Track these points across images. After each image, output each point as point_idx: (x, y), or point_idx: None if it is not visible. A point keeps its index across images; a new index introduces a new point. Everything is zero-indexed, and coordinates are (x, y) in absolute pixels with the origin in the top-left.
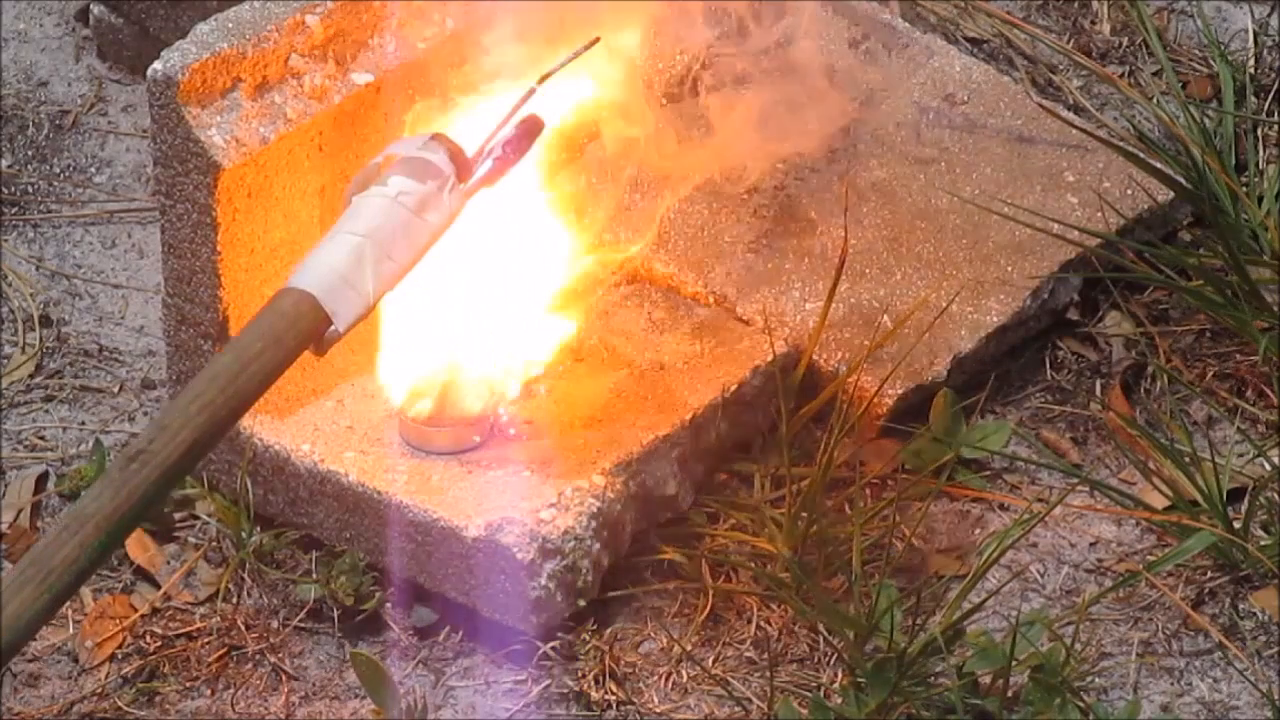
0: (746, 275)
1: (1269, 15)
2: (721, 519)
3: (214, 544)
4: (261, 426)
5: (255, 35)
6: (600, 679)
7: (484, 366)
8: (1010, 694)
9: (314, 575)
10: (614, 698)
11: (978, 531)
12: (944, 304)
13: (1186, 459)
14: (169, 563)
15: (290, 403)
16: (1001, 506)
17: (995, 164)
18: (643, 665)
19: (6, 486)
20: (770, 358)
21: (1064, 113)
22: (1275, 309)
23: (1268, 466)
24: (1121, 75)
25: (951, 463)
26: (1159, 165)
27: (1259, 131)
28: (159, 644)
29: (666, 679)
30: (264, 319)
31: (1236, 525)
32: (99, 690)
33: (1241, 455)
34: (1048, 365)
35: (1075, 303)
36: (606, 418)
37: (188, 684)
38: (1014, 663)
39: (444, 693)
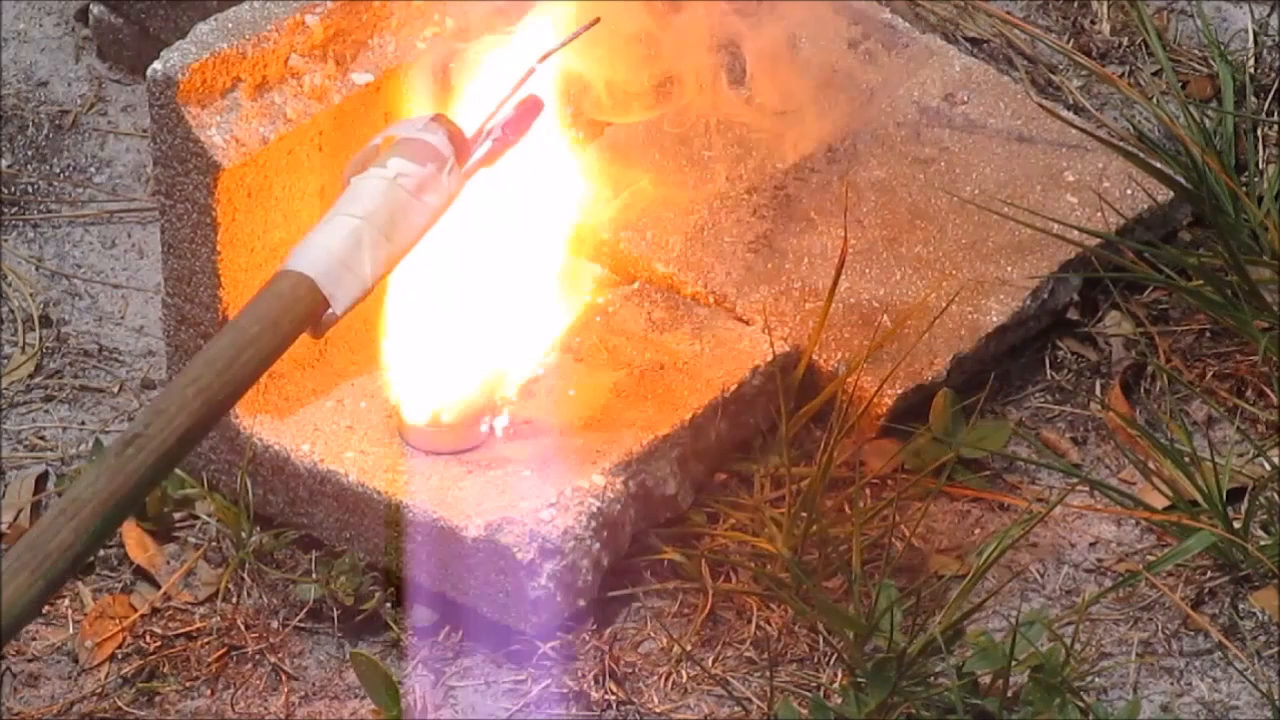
0: (746, 275)
1: (1269, 15)
2: (721, 519)
3: (214, 544)
4: (261, 426)
5: (255, 35)
6: (600, 679)
7: (484, 366)
8: (1010, 694)
9: (314, 575)
10: (614, 698)
11: (978, 531)
12: (944, 304)
13: (1186, 459)
14: (169, 563)
15: (290, 403)
16: (1001, 506)
17: (995, 164)
18: (643, 665)
19: (6, 486)
20: (770, 358)
21: (1064, 113)
22: (1275, 309)
23: (1268, 466)
24: (1121, 75)
25: (951, 463)
26: (1159, 165)
27: (1259, 131)
28: (159, 644)
29: (666, 679)
30: (261, 302)
31: (1236, 525)
32: (99, 690)
33: (1241, 455)
34: (1048, 365)
35: (1075, 303)
36: (606, 418)
37: (188, 684)
38: (1014, 663)
39: (444, 693)
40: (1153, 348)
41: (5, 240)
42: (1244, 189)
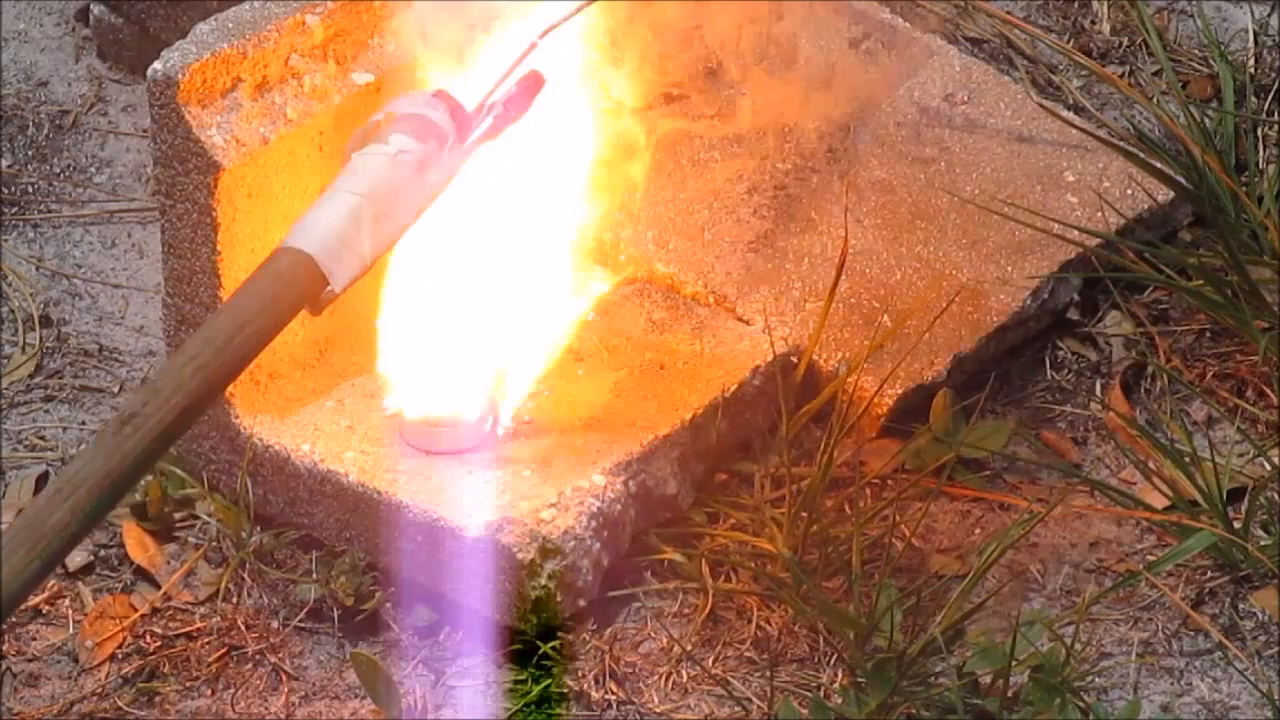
0: (746, 275)
1: (1269, 15)
2: (721, 519)
3: (214, 544)
4: (261, 426)
5: (255, 35)
6: (600, 679)
7: (484, 366)
8: (1010, 694)
9: (314, 575)
10: (614, 698)
11: (978, 531)
12: (944, 304)
13: (1186, 459)
14: (169, 563)
15: (290, 403)
16: (1001, 506)
17: (995, 164)
18: (643, 665)
19: (6, 486)
20: (770, 358)
21: (1064, 113)
22: (1275, 309)
23: (1268, 466)
24: (1121, 75)
25: (951, 463)
26: (1159, 165)
27: (1259, 131)
28: (159, 644)
29: (666, 679)
30: (260, 280)
31: (1236, 525)
32: (99, 690)
33: (1241, 455)
34: (1048, 365)
35: (1075, 303)
36: (606, 418)
37: (188, 684)
38: (1014, 663)
39: (444, 693)
40: (1153, 348)
41: (5, 240)
42: (1244, 189)
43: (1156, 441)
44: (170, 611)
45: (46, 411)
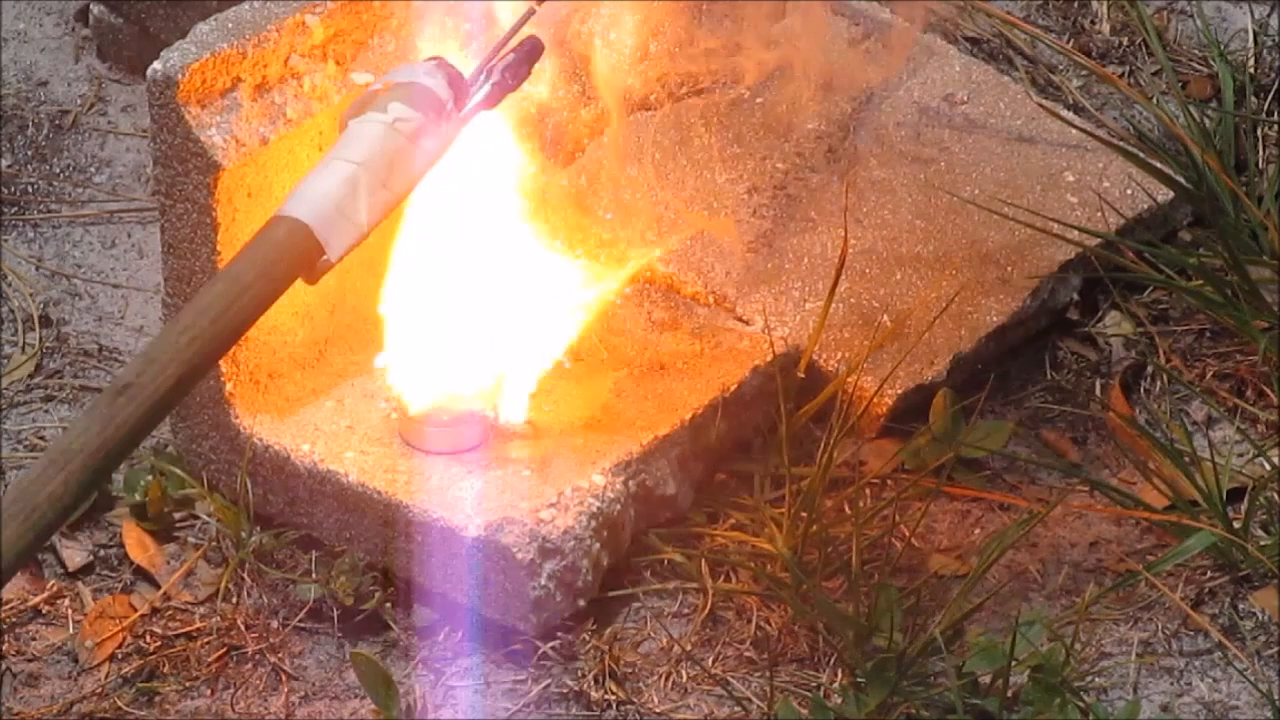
0: (746, 275)
1: (1269, 15)
2: (721, 519)
3: (214, 544)
4: (261, 426)
5: (255, 35)
6: (600, 679)
7: (484, 366)
8: (1010, 694)
9: (314, 575)
10: (614, 698)
11: (978, 531)
12: (944, 304)
13: (1186, 459)
14: (169, 563)
15: (290, 403)
16: (1001, 506)
17: (995, 164)
18: (643, 665)
19: (6, 486)
20: (770, 358)
21: (1064, 113)
22: (1275, 309)
23: (1268, 466)
24: (1121, 75)
25: (951, 462)
26: (1159, 165)
27: (1259, 131)
28: (159, 644)
29: (666, 679)
30: (256, 248)
31: (1236, 525)
32: (99, 690)
33: (1241, 455)
34: (1048, 365)
35: (1075, 303)
36: (606, 418)
37: (188, 684)
38: (1014, 663)
39: (444, 693)
40: (1153, 348)
41: (5, 240)
42: (1244, 189)
43: (1156, 441)
44: (170, 611)
45: (46, 411)
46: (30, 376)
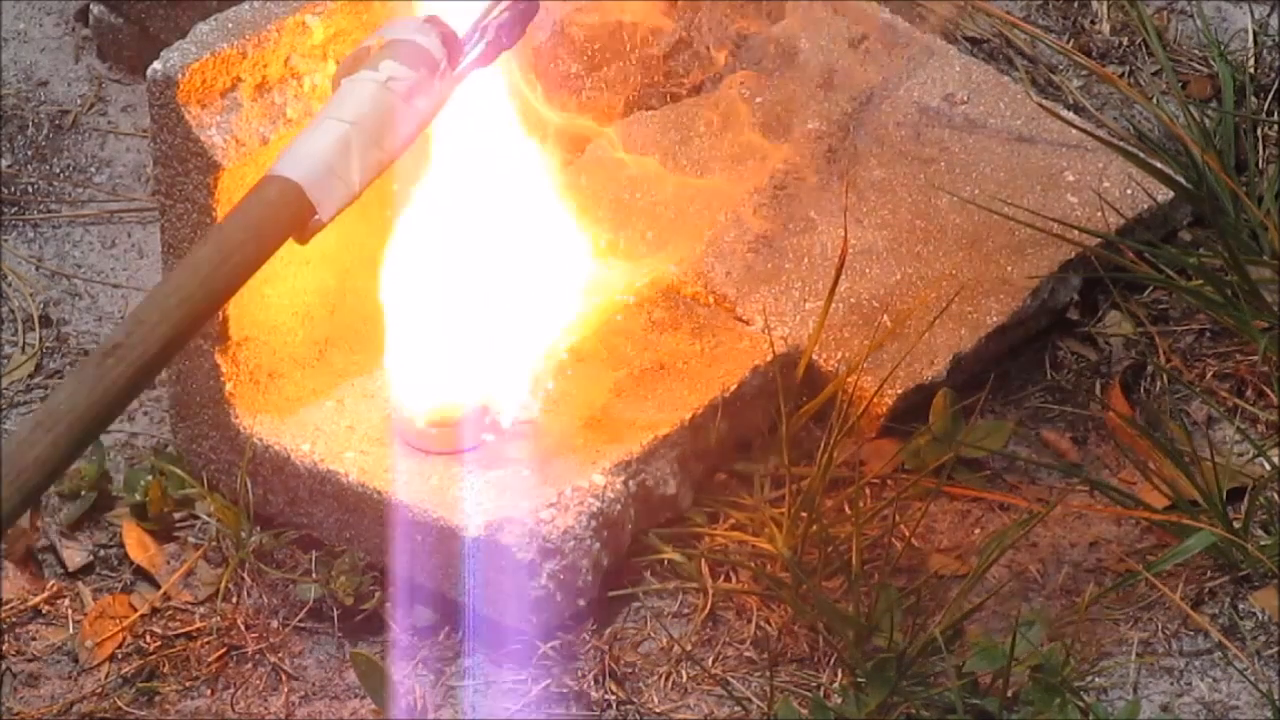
0: (746, 275)
1: (1269, 15)
2: (721, 519)
3: (214, 544)
4: (261, 426)
5: (255, 35)
6: (600, 679)
7: (484, 366)
8: (1010, 694)
9: (314, 575)
10: (614, 698)
11: (978, 531)
12: (944, 304)
13: (1186, 459)
14: (169, 563)
15: (290, 403)
16: (1001, 506)
17: (995, 164)
18: (643, 665)
19: None
20: (770, 358)
21: (1064, 113)
22: (1275, 309)
23: (1268, 466)
24: (1121, 75)
25: (951, 463)
26: (1159, 165)
27: (1259, 131)
28: (159, 644)
29: (666, 679)
30: (247, 208)
31: (1236, 525)
32: (99, 690)
33: (1241, 455)
34: (1048, 365)
35: (1075, 303)
36: (606, 418)
37: (188, 684)
38: (1014, 663)
39: (444, 693)
40: (1153, 348)
41: (5, 240)
42: (1244, 189)
43: (1156, 441)
44: (170, 611)
45: None
46: (30, 376)
